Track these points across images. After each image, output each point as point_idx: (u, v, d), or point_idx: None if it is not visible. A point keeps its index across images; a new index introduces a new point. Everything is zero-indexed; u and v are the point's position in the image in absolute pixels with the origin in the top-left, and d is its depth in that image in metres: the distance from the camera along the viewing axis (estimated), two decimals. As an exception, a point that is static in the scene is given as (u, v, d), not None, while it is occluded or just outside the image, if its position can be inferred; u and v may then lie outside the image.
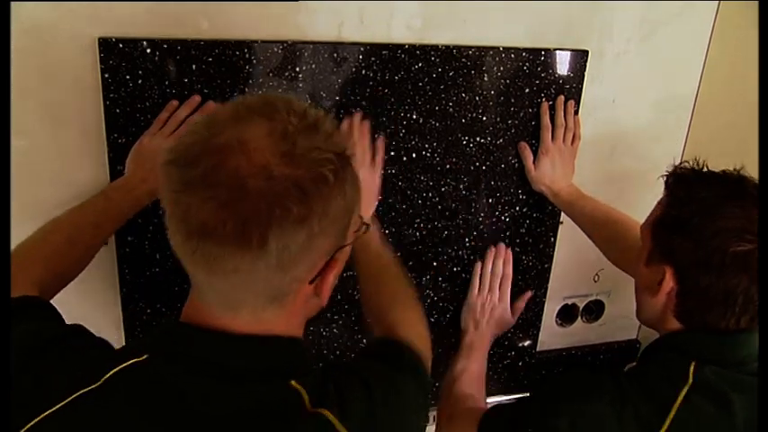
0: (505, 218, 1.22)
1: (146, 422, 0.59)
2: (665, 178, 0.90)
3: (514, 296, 1.28)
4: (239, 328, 0.62)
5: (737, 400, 0.80)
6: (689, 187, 0.86)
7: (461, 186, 1.17)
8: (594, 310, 1.41)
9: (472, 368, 1.14)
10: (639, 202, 1.06)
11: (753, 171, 1.06)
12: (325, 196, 0.57)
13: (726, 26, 1.22)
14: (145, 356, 0.62)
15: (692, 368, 0.81)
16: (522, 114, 1.15)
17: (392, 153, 1.10)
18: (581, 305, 1.39)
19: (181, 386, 0.60)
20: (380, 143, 1.05)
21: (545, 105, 1.14)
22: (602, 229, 1.13)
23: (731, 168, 0.86)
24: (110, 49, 0.92)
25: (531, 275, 1.30)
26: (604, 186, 1.23)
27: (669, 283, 0.85)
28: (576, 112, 1.17)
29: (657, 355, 0.89)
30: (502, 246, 1.19)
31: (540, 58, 1.12)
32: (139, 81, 0.94)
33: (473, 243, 1.22)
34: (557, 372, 1.41)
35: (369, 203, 1.04)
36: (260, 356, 0.63)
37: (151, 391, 0.60)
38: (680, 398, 0.79)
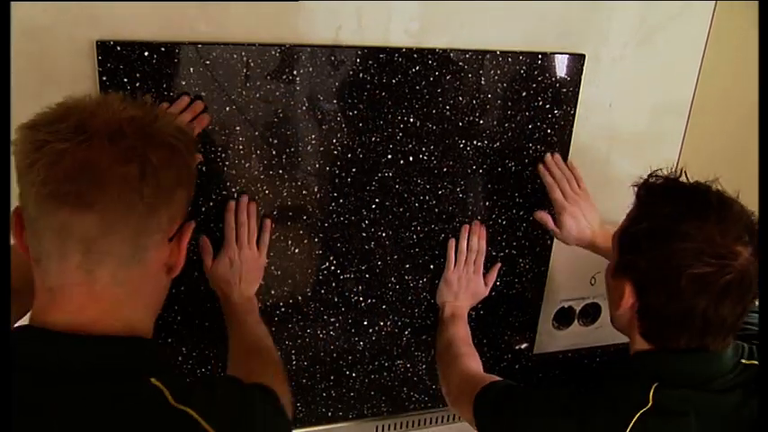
0: (502, 221, 1.23)
1: None
2: (635, 188, 0.88)
3: (509, 298, 1.29)
4: (94, 311, 0.62)
5: (696, 422, 0.79)
6: (653, 201, 0.85)
7: (458, 190, 1.17)
8: (591, 313, 1.41)
9: (461, 333, 1.17)
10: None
11: (751, 173, 1.06)
12: (188, 149, 0.67)
13: (722, 29, 1.23)
14: None
15: (652, 391, 0.80)
16: (518, 118, 1.15)
17: (389, 156, 1.11)
18: (577, 308, 1.39)
19: (35, 396, 0.59)
20: (267, 225, 1.07)
21: (542, 167, 1.15)
22: None
23: (709, 179, 0.85)
24: (108, 51, 0.92)
25: (528, 278, 1.30)
26: (600, 191, 1.23)
27: (629, 299, 0.84)
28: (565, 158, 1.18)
29: (621, 376, 0.88)
30: (477, 222, 1.20)
31: (536, 62, 1.12)
32: (137, 84, 0.94)
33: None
34: (552, 375, 1.42)
35: (252, 280, 1.06)
36: (116, 357, 0.63)
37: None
38: (634, 419, 0.79)
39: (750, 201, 1.04)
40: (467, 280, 1.21)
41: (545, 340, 1.39)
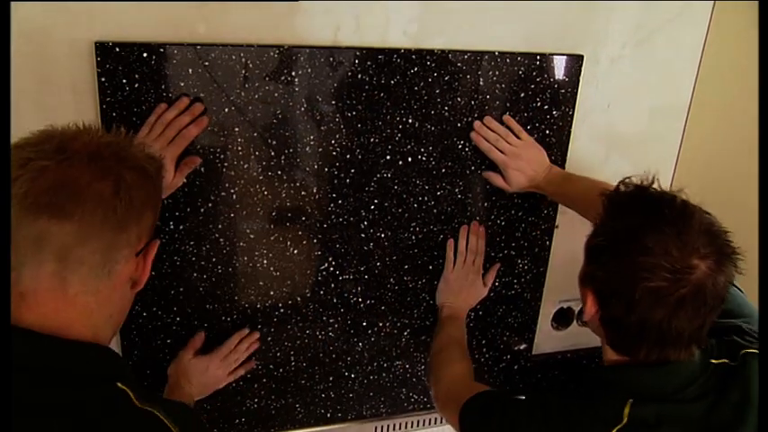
0: (501, 221, 1.23)
1: None
2: (603, 198, 0.88)
3: (507, 298, 1.30)
4: (66, 317, 0.66)
5: None
6: (616, 212, 0.85)
7: (457, 190, 1.17)
8: (590, 314, 1.41)
9: (456, 335, 1.17)
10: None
11: (750, 174, 1.06)
12: (158, 174, 0.74)
13: (719, 31, 1.23)
14: None
15: (627, 408, 0.81)
16: (517, 119, 1.15)
17: (388, 157, 1.11)
18: (576, 308, 1.39)
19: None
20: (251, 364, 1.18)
21: (474, 134, 1.13)
22: (594, 208, 1.09)
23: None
24: (106, 52, 0.92)
25: (527, 279, 1.30)
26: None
27: (592, 307, 0.85)
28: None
29: (597, 391, 0.88)
30: (476, 223, 1.20)
31: (535, 63, 1.12)
32: (136, 85, 0.95)
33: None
34: (551, 376, 1.42)
35: (206, 393, 1.13)
36: (87, 361, 0.68)
37: None
38: None
39: (750, 201, 1.04)
40: (466, 280, 1.21)
41: (544, 341, 1.39)
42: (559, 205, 1.25)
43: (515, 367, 1.38)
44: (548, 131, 1.18)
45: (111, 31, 0.92)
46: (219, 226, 1.07)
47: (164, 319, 1.10)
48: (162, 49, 0.94)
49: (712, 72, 1.25)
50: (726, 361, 0.85)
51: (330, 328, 1.21)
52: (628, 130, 1.25)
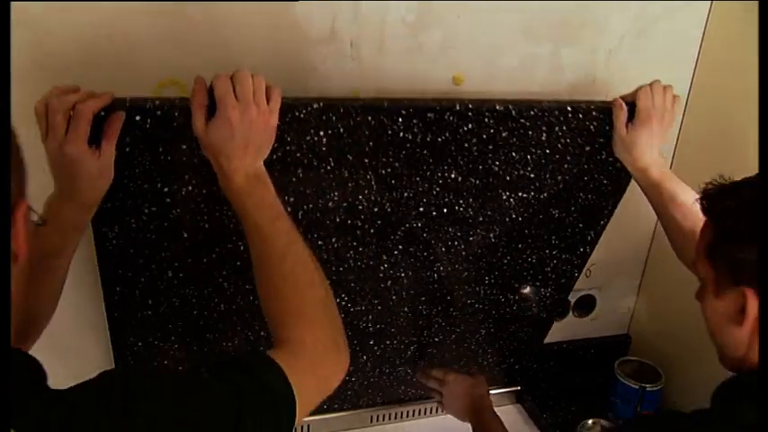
0: (531, 260, 1.12)
1: None
2: (699, 203, 0.79)
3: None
4: None
5: None
6: (730, 199, 0.76)
7: (491, 235, 1.04)
8: (586, 305, 1.39)
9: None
10: (631, 200, 1.06)
11: (747, 166, 0.97)
12: None
13: (719, 21, 1.16)
14: None
15: None
16: (575, 171, 0.99)
17: (421, 209, 0.96)
18: (573, 300, 1.36)
19: None
20: (275, 87, 0.77)
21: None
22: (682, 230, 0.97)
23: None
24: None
25: (546, 304, 1.23)
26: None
27: (753, 301, 0.75)
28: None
29: (739, 402, 0.77)
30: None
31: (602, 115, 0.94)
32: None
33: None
34: (546, 367, 1.43)
35: (262, 149, 0.77)
36: None
37: None
38: None
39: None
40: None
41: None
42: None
43: (512, 360, 1.37)
44: (606, 181, 1.03)
45: (112, 23, 0.85)
46: (224, 273, 0.95)
47: (161, 346, 1.03)
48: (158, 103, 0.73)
49: (711, 64, 1.18)
50: None
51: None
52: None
